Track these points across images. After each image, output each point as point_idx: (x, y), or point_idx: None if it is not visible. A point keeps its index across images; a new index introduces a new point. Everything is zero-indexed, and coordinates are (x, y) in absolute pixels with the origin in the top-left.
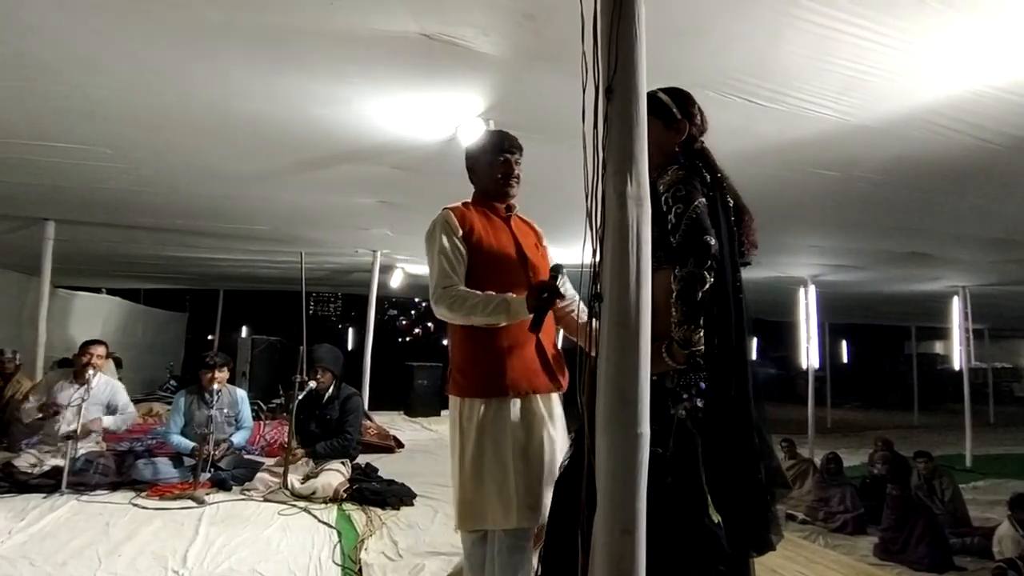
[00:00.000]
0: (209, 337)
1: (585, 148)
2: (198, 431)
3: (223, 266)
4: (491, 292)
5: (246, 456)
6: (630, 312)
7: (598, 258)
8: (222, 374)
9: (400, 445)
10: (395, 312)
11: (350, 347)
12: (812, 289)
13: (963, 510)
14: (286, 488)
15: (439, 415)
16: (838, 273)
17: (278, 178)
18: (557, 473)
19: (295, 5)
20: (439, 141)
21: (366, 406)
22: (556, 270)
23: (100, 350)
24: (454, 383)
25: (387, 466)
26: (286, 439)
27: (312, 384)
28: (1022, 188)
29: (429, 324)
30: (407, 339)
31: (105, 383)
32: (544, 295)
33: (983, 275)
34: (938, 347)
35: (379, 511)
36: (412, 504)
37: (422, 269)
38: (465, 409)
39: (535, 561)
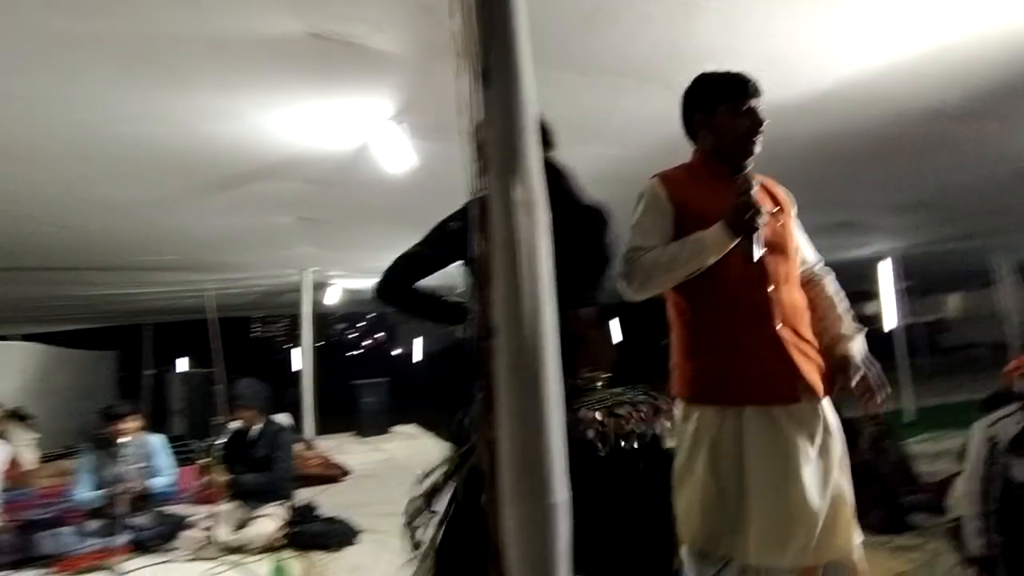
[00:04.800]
0: (148, 372)
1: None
2: (105, 492)
3: (138, 300)
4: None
5: (167, 512)
6: (526, 349)
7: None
8: (128, 424)
9: (346, 473)
10: (343, 326)
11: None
12: None
13: (912, 468)
14: (216, 541)
15: (388, 432)
16: None
17: (178, 204)
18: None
19: (153, 8)
20: (351, 150)
21: (312, 432)
22: (745, 182)
23: None
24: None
25: (333, 498)
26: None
27: (235, 424)
28: (936, 155)
29: (381, 334)
30: (359, 352)
31: None
32: (746, 210)
33: (909, 237)
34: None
35: (322, 554)
36: (354, 542)
37: (359, 284)
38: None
39: None
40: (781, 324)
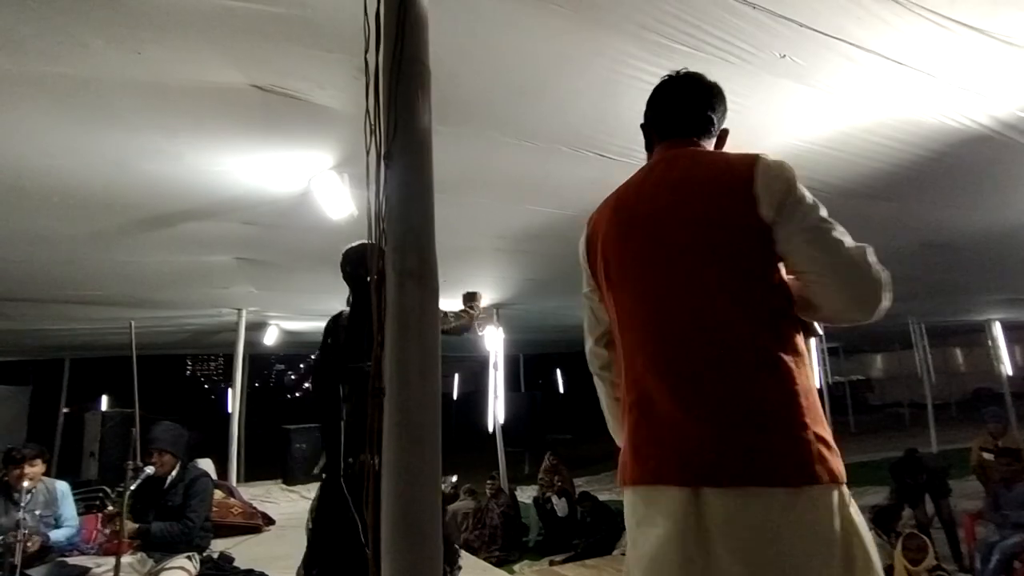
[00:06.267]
0: (66, 410)
1: (369, 220)
2: (1, 539)
3: (64, 335)
4: None
5: (70, 562)
6: (411, 410)
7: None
8: (34, 468)
9: (270, 522)
10: (283, 367)
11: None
12: None
13: None
14: None
15: (319, 481)
16: None
17: (116, 239)
18: None
19: (95, 54)
20: (292, 195)
21: (237, 478)
22: None
23: None
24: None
25: (252, 549)
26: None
27: (149, 470)
28: (850, 226)
29: None
30: (297, 395)
31: None
32: None
33: None
34: None
35: None
36: None
37: (297, 325)
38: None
39: None
40: None
